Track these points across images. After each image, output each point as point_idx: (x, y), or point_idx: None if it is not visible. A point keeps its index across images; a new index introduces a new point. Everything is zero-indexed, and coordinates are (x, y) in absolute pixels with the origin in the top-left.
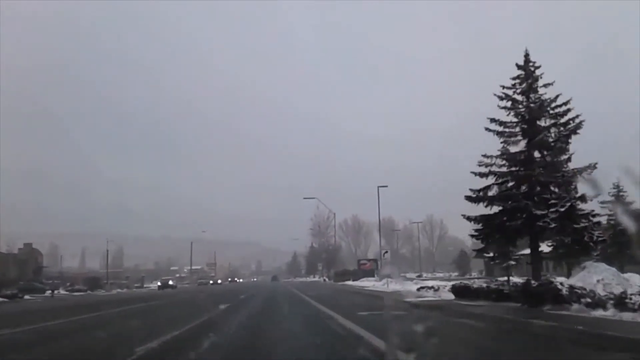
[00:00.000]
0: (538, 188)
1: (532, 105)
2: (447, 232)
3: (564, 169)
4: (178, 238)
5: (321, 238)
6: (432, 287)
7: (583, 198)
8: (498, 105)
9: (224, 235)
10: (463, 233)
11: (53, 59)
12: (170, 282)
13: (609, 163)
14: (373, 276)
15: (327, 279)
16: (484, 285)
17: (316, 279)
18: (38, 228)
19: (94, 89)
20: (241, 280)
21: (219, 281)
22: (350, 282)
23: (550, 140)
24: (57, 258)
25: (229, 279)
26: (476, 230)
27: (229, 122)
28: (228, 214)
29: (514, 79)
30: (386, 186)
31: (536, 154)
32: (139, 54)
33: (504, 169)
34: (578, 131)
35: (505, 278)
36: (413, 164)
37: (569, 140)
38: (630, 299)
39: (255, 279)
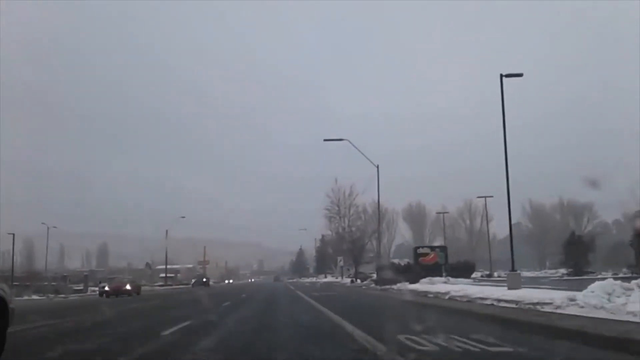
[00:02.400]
0: None
1: None
2: (492, 220)
3: None
4: (179, 237)
5: (341, 223)
6: None
7: None
8: None
9: (224, 234)
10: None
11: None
12: None
13: None
14: (441, 274)
15: (356, 280)
16: None
17: (331, 279)
18: (27, 225)
19: (93, 84)
20: (230, 281)
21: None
22: (411, 286)
23: None
24: (32, 256)
25: (193, 280)
26: None
27: (230, 117)
28: (229, 213)
29: None
30: (520, 75)
31: None
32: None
33: None
34: None
35: None
36: (439, 144)
37: None
38: None
39: (252, 280)
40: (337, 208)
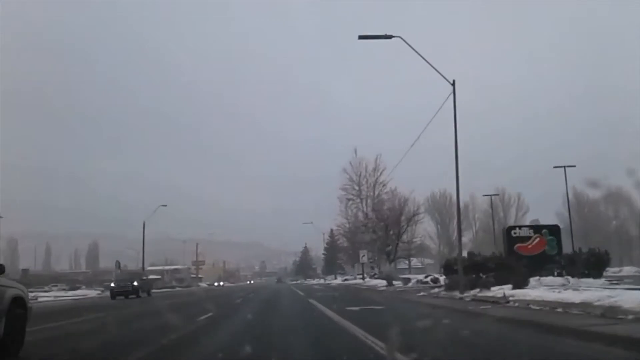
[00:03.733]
0: None
1: None
2: (528, 212)
3: None
4: (179, 238)
5: (362, 207)
6: None
7: None
8: None
9: (226, 235)
10: (545, 211)
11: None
12: None
13: None
14: (551, 271)
15: (391, 282)
16: None
17: (340, 280)
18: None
19: (92, 83)
20: (221, 284)
21: None
22: (521, 293)
23: None
24: (15, 258)
25: (112, 284)
26: None
27: (230, 117)
28: (230, 214)
29: None
30: None
31: None
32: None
33: None
34: None
35: None
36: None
37: None
38: None
39: (251, 281)
40: (356, 188)
